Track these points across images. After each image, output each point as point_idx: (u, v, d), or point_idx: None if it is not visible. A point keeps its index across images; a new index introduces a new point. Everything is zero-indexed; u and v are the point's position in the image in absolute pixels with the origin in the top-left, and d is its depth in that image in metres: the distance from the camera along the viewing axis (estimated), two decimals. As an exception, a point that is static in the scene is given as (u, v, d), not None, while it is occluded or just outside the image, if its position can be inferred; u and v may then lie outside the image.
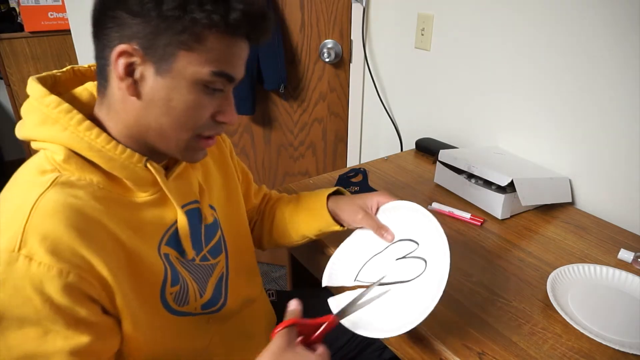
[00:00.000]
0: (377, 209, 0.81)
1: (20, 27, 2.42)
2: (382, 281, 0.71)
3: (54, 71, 0.66)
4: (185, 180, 0.70)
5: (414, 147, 1.44)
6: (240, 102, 1.66)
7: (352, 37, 1.61)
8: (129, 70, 0.57)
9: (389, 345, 0.78)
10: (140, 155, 0.61)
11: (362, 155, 1.81)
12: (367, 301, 0.68)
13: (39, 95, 0.59)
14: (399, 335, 0.75)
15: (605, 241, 0.95)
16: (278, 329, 0.57)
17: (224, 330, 0.78)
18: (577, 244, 0.94)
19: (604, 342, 0.67)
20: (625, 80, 0.96)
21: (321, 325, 0.60)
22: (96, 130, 0.58)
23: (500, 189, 1.02)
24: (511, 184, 0.97)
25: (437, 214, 1.04)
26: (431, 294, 0.63)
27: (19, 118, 0.62)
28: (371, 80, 1.61)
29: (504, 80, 1.21)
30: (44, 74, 0.64)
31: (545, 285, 0.79)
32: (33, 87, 0.60)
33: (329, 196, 0.85)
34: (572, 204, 1.12)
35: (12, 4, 2.58)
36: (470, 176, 1.09)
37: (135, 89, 0.58)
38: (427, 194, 1.14)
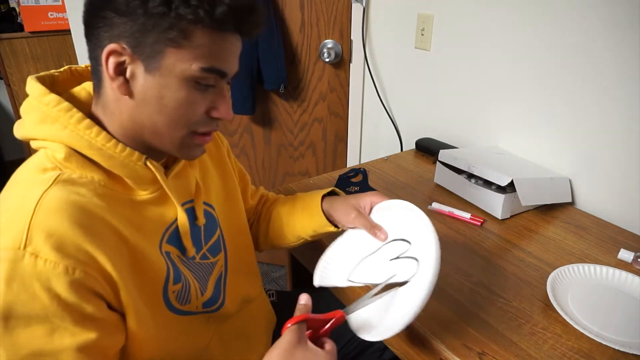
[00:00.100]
0: (371, 209, 0.81)
1: (20, 27, 2.42)
2: (390, 281, 0.71)
3: (52, 71, 0.66)
4: (184, 179, 0.70)
5: (414, 147, 1.44)
6: (240, 102, 1.66)
7: (352, 37, 1.61)
8: (120, 69, 0.57)
9: (389, 346, 0.78)
10: (140, 154, 0.61)
11: (362, 155, 1.81)
12: (373, 299, 0.68)
13: (39, 94, 0.59)
14: (399, 336, 0.75)
15: (605, 241, 0.95)
16: (289, 324, 0.57)
17: (224, 329, 0.78)
18: (577, 244, 0.94)
19: (604, 342, 0.67)
20: (625, 80, 0.96)
21: (329, 320, 0.60)
22: (96, 128, 0.59)
23: (500, 189, 1.02)
24: (511, 184, 0.97)
25: (437, 214, 1.04)
26: (418, 294, 0.62)
27: (19, 118, 0.62)
28: (371, 80, 1.61)
29: (504, 80, 1.21)
30: (42, 73, 0.64)
31: (545, 285, 0.78)
32: (32, 86, 0.60)
33: (323, 197, 0.85)
34: (572, 204, 1.12)
35: (12, 4, 2.58)
36: (470, 176, 1.09)
37: (127, 88, 0.58)
38: (427, 194, 1.14)
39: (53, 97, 0.58)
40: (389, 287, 0.70)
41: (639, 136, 0.96)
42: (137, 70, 0.57)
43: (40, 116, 0.58)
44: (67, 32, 2.34)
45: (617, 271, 0.82)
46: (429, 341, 0.70)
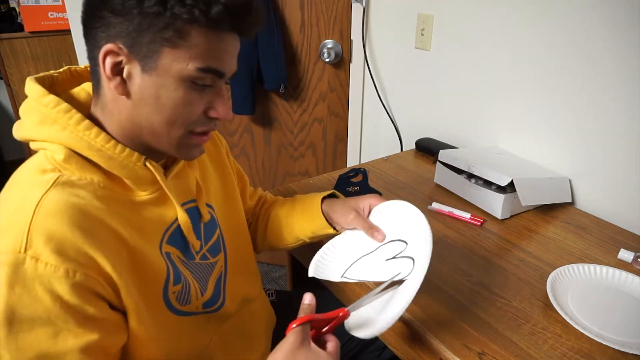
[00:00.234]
0: (370, 211, 0.82)
1: (20, 27, 2.42)
2: (394, 279, 0.71)
3: (51, 72, 0.66)
4: (183, 179, 0.70)
5: (414, 147, 1.44)
6: (240, 102, 1.66)
7: (352, 37, 1.61)
8: (117, 69, 0.57)
9: (389, 345, 0.78)
10: (139, 154, 0.61)
11: (362, 155, 1.81)
12: (375, 298, 0.68)
13: (38, 95, 0.59)
14: (399, 335, 0.75)
15: (605, 241, 0.95)
16: (293, 325, 0.57)
17: (224, 329, 0.78)
18: (577, 244, 0.94)
19: (604, 342, 0.67)
20: (625, 80, 0.96)
21: (333, 318, 0.61)
22: (95, 129, 0.59)
23: (500, 189, 1.02)
24: (511, 184, 0.97)
25: (437, 214, 1.04)
26: (408, 292, 0.62)
27: (19, 118, 0.62)
28: (371, 80, 1.61)
29: (504, 80, 1.21)
30: (41, 74, 0.64)
31: (545, 285, 0.78)
32: (31, 87, 0.60)
33: (323, 199, 0.85)
34: (572, 204, 1.12)
35: (12, 4, 2.58)
36: (470, 176, 1.09)
37: (124, 88, 0.58)
38: (427, 194, 1.14)
39: (52, 98, 0.58)
40: (389, 286, 0.70)
41: (639, 136, 0.96)
42: (133, 70, 0.57)
43: (40, 117, 0.58)
44: (67, 32, 2.34)
45: (617, 271, 0.82)
46: (429, 341, 0.70)
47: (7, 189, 0.58)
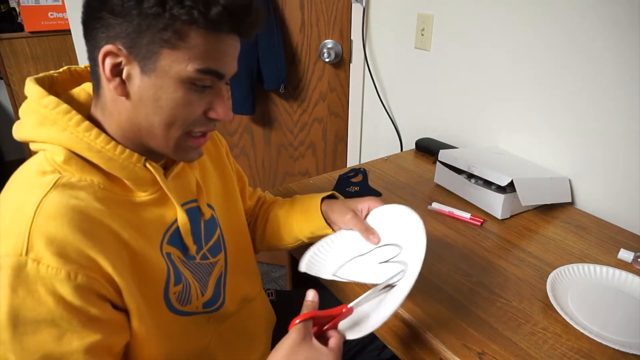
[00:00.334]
0: (368, 214, 0.82)
1: (20, 27, 2.42)
2: (390, 281, 0.70)
3: (51, 72, 0.66)
4: (183, 180, 0.70)
5: (414, 147, 1.44)
6: (240, 102, 1.66)
7: (352, 37, 1.61)
8: (116, 70, 0.57)
9: (389, 345, 0.78)
10: (139, 155, 0.61)
11: (362, 155, 1.81)
12: (376, 295, 0.68)
13: (37, 97, 0.59)
14: (399, 335, 0.75)
15: (605, 241, 0.95)
16: (296, 321, 0.57)
17: (224, 329, 0.78)
18: (577, 244, 0.94)
19: (604, 342, 0.67)
20: (625, 80, 0.96)
21: (336, 315, 0.60)
22: (95, 130, 0.59)
23: (500, 189, 1.02)
24: (511, 184, 0.97)
25: (437, 214, 1.04)
26: (398, 296, 0.62)
27: (19, 118, 0.62)
28: (371, 80, 1.61)
29: (504, 80, 1.21)
30: (41, 74, 0.64)
31: (545, 285, 0.78)
32: (31, 88, 0.60)
33: (323, 199, 0.85)
34: (572, 204, 1.12)
35: (12, 4, 2.58)
36: (470, 176, 1.09)
37: (123, 89, 0.58)
38: (427, 194, 1.14)
39: (52, 100, 0.58)
40: (386, 287, 0.70)
41: (639, 136, 0.96)
42: (133, 71, 0.57)
43: (39, 118, 0.58)
44: (67, 32, 2.34)
45: (617, 271, 0.82)
46: (429, 341, 0.70)
47: (7, 190, 0.58)
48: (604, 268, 0.82)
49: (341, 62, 1.66)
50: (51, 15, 2.39)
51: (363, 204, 0.82)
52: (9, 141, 2.97)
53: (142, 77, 0.57)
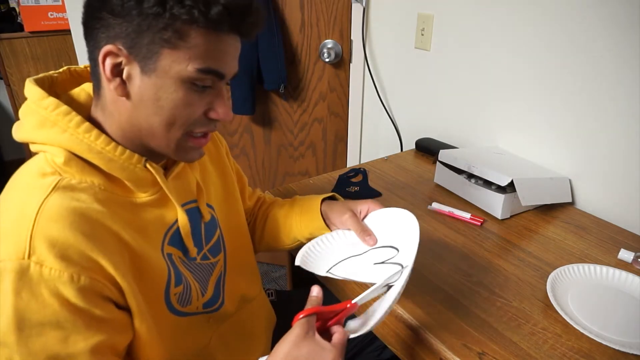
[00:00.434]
0: (367, 215, 0.82)
1: (20, 27, 2.42)
2: (389, 281, 0.70)
3: (51, 72, 0.66)
4: (184, 180, 0.70)
5: (414, 147, 1.44)
6: (240, 102, 1.66)
7: (352, 37, 1.61)
8: (117, 70, 0.57)
9: (389, 345, 0.78)
10: (140, 156, 0.61)
11: (362, 155, 1.81)
12: (381, 291, 0.68)
13: (37, 98, 0.58)
14: (399, 335, 0.75)
15: (605, 241, 0.95)
16: (300, 316, 0.57)
17: (223, 329, 0.78)
18: (577, 244, 0.94)
19: (604, 342, 0.67)
20: (625, 80, 0.96)
21: (340, 311, 0.60)
22: (95, 131, 0.58)
23: (500, 189, 1.02)
24: (511, 184, 0.97)
25: (437, 214, 1.04)
26: (389, 299, 0.62)
27: (19, 118, 0.62)
28: (371, 80, 1.61)
29: (504, 80, 1.21)
30: (41, 75, 0.64)
31: (545, 285, 0.78)
32: (31, 89, 0.59)
33: (323, 200, 0.85)
34: (572, 204, 1.12)
35: (12, 4, 2.58)
36: (470, 176, 1.09)
37: (123, 89, 0.58)
38: (427, 194, 1.14)
39: (51, 101, 0.58)
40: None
41: (639, 136, 0.96)
42: (133, 72, 0.57)
43: (39, 120, 0.58)
44: (67, 32, 2.34)
45: (617, 271, 0.82)
46: (429, 341, 0.70)
47: (7, 191, 0.58)
48: (604, 268, 0.82)
49: (341, 62, 1.66)
50: (51, 15, 2.39)
51: (363, 205, 0.82)
52: (9, 141, 2.97)
53: (142, 77, 0.57)
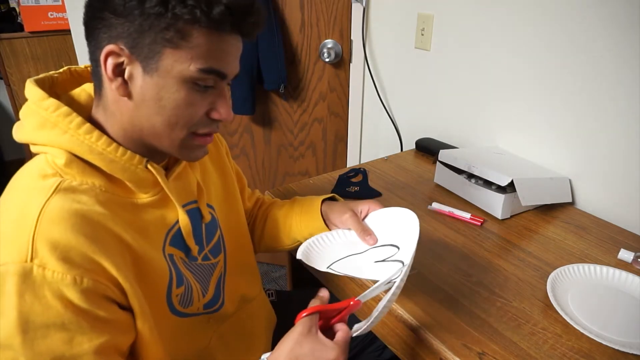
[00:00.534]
0: (367, 215, 0.82)
1: (20, 27, 2.42)
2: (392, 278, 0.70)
3: (51, 72, 0.66)
4: (184, 180, 0.70)
5: (414, 147, 1.44)
6: (240, 102, 1.66)
7: (352, 37, 1.61)
8: (118, 70, 0.57)
9: (389, 345, 0.78)
10: (141, 157, 0.61)
11: (362, 155, 1.81)
12: (383, 288, 0.67)
13: (37, 99, 0.58)
14: (399, 335, 0.75)
15: (605, 241, 0.95)
16: (303, 315, 0.57)
17: (224, 329, 0.78)
18: (577, 244, 0.94)
19: (604, 342, 0.67)
20: (625, 80, 0.96)
21: (343, 308, 0.60)
22: (96, 133, 0.58)
23: (500, 189, 1.02)
24: (511, 184, 0.97)
25: (437, 214, 1.04)
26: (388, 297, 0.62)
27: (19, 118, 0.62)
28: (371, 80, 1.61)
29: (504, 80, 1.21)
30: (41, 75, 0.63)
31: (545, 285, 0.78)
32: (31, 90, 0.59)
33: (323, 201, 0.85)
34: (572, 204, 1.12)
35: (12, 4, 2.58)
36: (470, 176, 1.09)
37: (125, 89, 0.58)
38: (427, 194, 1.14)
39: (52, 102, 0.58)
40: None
41: (639, 136, 0.96)
42: (135, 71, 0.57)
43: (40, 121, 0.58)
44: (67, 32, 2.34)
45: (617, 271, 0.82)
46: (429, 341, 0.70)
47: (7, 193, 0.58)
48: (604, 268, 0.82)
49: (341, 62, 1.66)
50: (51, 15, 2.39)
51: (363, 205, 0.82)
52: (9, 141, 2.97)
53: (144, 77, 0.57)
